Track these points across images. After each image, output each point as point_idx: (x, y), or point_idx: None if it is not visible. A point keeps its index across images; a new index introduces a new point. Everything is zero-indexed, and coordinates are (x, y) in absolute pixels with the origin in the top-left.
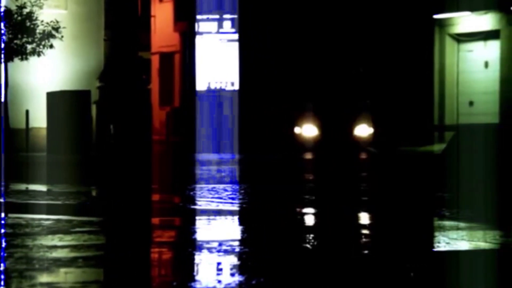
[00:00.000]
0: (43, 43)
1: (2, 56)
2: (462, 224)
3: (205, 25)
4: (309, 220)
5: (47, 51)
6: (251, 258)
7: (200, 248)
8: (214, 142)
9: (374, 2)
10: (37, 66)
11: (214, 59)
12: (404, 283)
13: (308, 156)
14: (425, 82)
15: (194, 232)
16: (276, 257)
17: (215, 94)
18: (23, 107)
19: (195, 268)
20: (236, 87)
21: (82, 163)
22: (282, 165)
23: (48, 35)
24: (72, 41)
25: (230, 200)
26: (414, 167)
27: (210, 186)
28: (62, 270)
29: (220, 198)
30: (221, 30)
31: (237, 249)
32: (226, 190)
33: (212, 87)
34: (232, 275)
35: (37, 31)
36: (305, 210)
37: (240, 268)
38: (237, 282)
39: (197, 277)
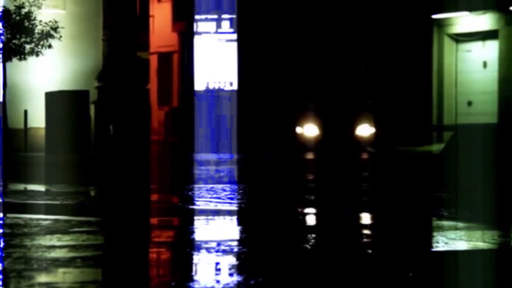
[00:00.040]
0: (41, 43)
1: (1, 56)
2: (460, 224)
3: (203, 25)
4: (308, 220)
5: (46, 51)
6: (250, 258)
7: (198, 248)
8: (213, 142)
9: (373, 2)
10: (35, 66)
11: (212, 59)
12: (402, 283)
13: (309, 156)
14: (424, 82)
15: (192, 232)
16: (274, 257)
17: (214, 94)
18: (22, 107)
19: (194, 268)
20: (235, 87)
21: (80, 163)
22: (282, 165)
23: (47, 35)
24: (70, 41)
25: (229, 200)
26: (413, 167)
27: (209, 186)
28: (61, 270)
29: (219, 198)
30: (219, 30)
31: (236, 249)
32: (224, 190)
33: (211, 87)
34: (231, 275)
35: (36, 31)
36: (304, 210)
37: (238, 268)
38: (235, 282)
39: (195, 277)
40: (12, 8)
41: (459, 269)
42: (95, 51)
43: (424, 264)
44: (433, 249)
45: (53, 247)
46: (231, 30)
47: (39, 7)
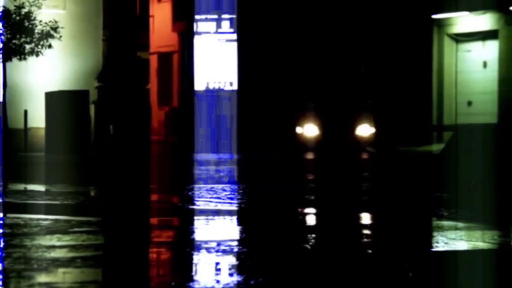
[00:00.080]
0: (41, 43)
1: (1, 56)
2: (460, 224)
3: (203, 25)
4: (308, 220)
5: (46, 51)
6: (250, 258)
7: (198, 248)
8: (213, 142)
9: (373, 2)
10: (35, 66)
11: (212, 59)
12: (402, 283)
13: (309, 156)
14: (424, 82)
15: (192, 232)
16: (274, 257)
17: (214, 94)
18: (22, 107)
19: (194, 268)
20: (235, 87)
21: (80, 163)
22: (282, 165)
23: (47, 35)
24: (70, 41)
25: (229, 200)
26: (413, 167)
27: (209, 186)
28: (61, 270)
29: (219, 198)
30: (219, 30)
31: (236, 249)
32: (224, 190)
33: (211, 87)
34: (231, 275)
35: (36, 31)
36: (304, 210)
37: (238, 268)
38: (235, 282)
39: (195, 277)
40: (12, 8)
41: (459, 269)
42: (95, 51)
43: (424, 264)
44: (433, 249)
45: (53, 247)
46: (231, 30)
47: (39, 7)
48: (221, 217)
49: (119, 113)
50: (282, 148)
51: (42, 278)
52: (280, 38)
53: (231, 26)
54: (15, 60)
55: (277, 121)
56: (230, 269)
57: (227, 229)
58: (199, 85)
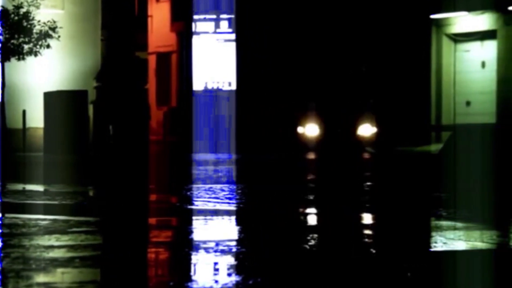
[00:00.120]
0: (40, 43)
1: None
2: (459, 224)
3: (202, 25)
4: (308, 220)
5: (44, 51)
6: (248, 258)
7: (197, 248)
8: (211, 142)
9: (373, 2)
10: (34, 66)
11: (211, 59)
12: (401, 283)
13: (310, 156)
14: (422, 82)
15: (191, 232)
16: (273, 257)
17: (212, 94)
18: (20, 107)
19: (192, 268)
20: (233, 87)
21: (79, 163)
22: (281, 165)
23: (45, 35)
24: (69, 41)
25: (227, 200)
26: (412, 167)
27: (207, 186)
28: (59, 270)
29: (217, 198)
30: (218, 30)
31: (234, 249)
32: (223, 190)
33: (209, 87)
34: (229, 275)
35: (34, 31)
36: (303, 210)
37: (237, 268)
38: (234, 282)
39: (194, 277)
40: (10, 8)
41: (458, 269)
42: (94, 51)
43: (423, 264)
44: (432, 249)
45: (52, 247)
46: (230, 30)
47: (38, 7)
48: (220, 217)
49: (117, 113)
50: (282, 148)
51: (41, 278)
52: (279, 38)
53: (229, 26)
54: (13, 60)
55: (276, 121)
56: (228, 269)
57: (226, 229)
58: (198, 85)
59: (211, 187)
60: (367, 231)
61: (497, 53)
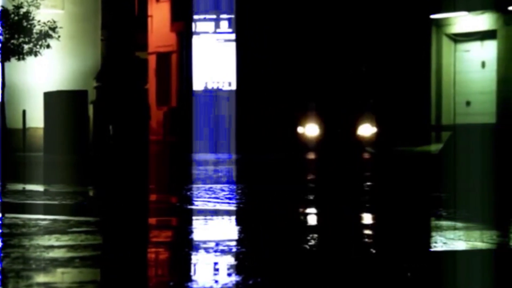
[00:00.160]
0: (40, 43)
1: None
2: (459, 224)
3: (202, 25)
4: (307, 220)
5: (44, 51)
6: (248, 258)
7: (197, 248)
8: (211, 142)
9: (373, 2)
10: (34, 66)
11: (211, 59)
12: (401, 283)
13: (310, 156)
14: (422, 82)
15: (191, 232)
16: (273, 257)
17: (212, 94)
18: (20, 107)
19: (192, 268)
20: (233, 87)
21: (79, 163)
22: (281, 165)
23: (45, 35)
24: (69, 41)
25: (227, 200)
26: (412, 167)
27: (207, 186)
28: (59, 270)
29: (217, 198)
30: (218, 30)
31: (234, 249)
32: (223, 190)
33: (209, 87)
34: (229, 275)
35: (34, 31)
36: (303, 210)
37: (237, 268)
38: (234, 282)
39: (194, 277)
40: (10, 8)
41: (458, 269)
42: (94, 51)
43: (423, 264)
44: (432, 249)
45: (52, 247)
46: (230, 30)
47: (38, 7)
48: (220, 217)
49: (117, 113)
50: (282, 148)
51: (41, 278)
52: (279, 38)
53: (229, 26)
54: (13, 60)
55: (276, 121)
56: (228, 269)
57: (226, 229)
58: (198, 85)
59: (211, 187)
60: (367, 231)
61: (497, 53)
